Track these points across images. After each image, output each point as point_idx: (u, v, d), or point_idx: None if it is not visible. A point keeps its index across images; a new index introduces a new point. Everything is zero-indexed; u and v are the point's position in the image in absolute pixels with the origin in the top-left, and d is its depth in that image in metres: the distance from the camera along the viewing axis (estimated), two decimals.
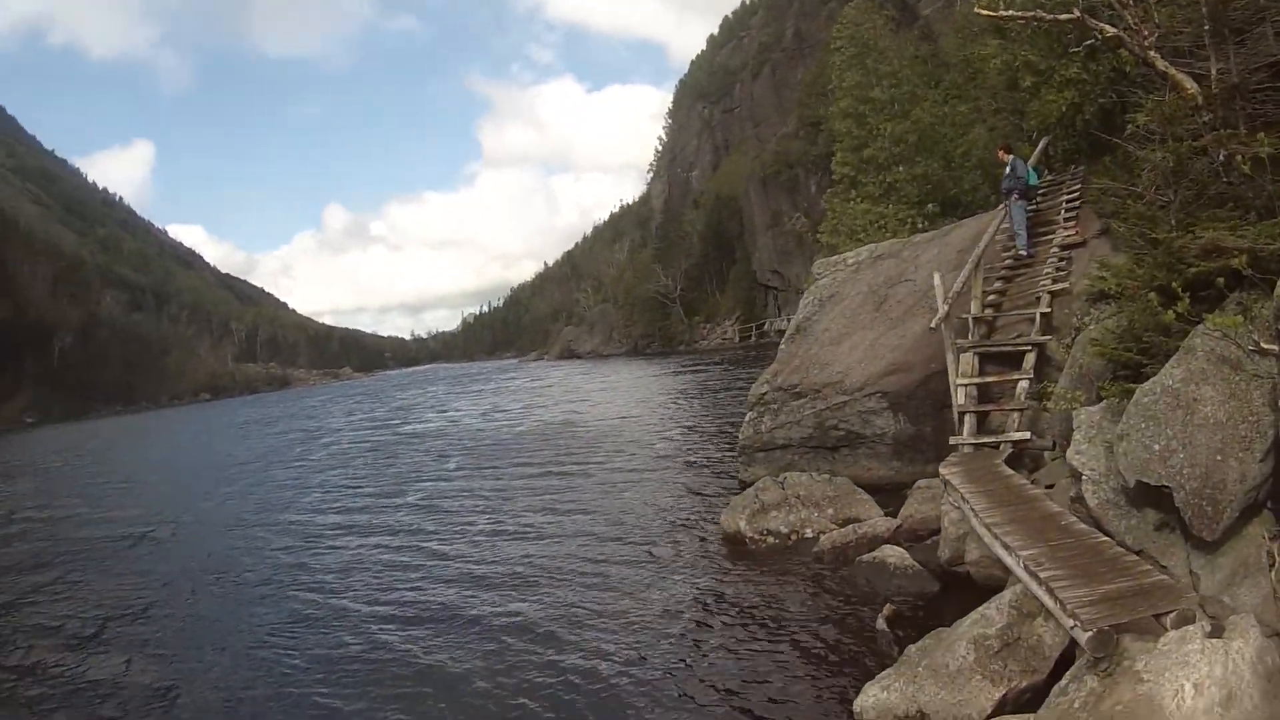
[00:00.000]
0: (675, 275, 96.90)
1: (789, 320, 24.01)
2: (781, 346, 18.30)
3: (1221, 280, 8.46)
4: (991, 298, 15.19)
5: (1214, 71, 11.30)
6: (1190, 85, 11.59)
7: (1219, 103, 11.01)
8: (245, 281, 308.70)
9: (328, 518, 19.84)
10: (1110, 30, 13.16)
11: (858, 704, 7.02)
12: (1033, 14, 15.17)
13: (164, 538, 19.46)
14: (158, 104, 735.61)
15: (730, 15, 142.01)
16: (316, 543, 17.25)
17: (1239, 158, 10.05)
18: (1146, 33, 12.24)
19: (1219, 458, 6.96)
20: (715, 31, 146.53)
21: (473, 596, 12.25)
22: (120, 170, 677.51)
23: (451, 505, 19.35)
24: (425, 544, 15.95)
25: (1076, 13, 13.64)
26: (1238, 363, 7.43)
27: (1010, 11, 15.83)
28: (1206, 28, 11.38)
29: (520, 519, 16.90)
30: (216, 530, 19.77)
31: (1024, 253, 16.25)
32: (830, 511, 12.91)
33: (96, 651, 11.87)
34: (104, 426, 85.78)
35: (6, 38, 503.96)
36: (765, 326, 75.32)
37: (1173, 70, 11.83)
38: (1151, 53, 12.13)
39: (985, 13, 16.38)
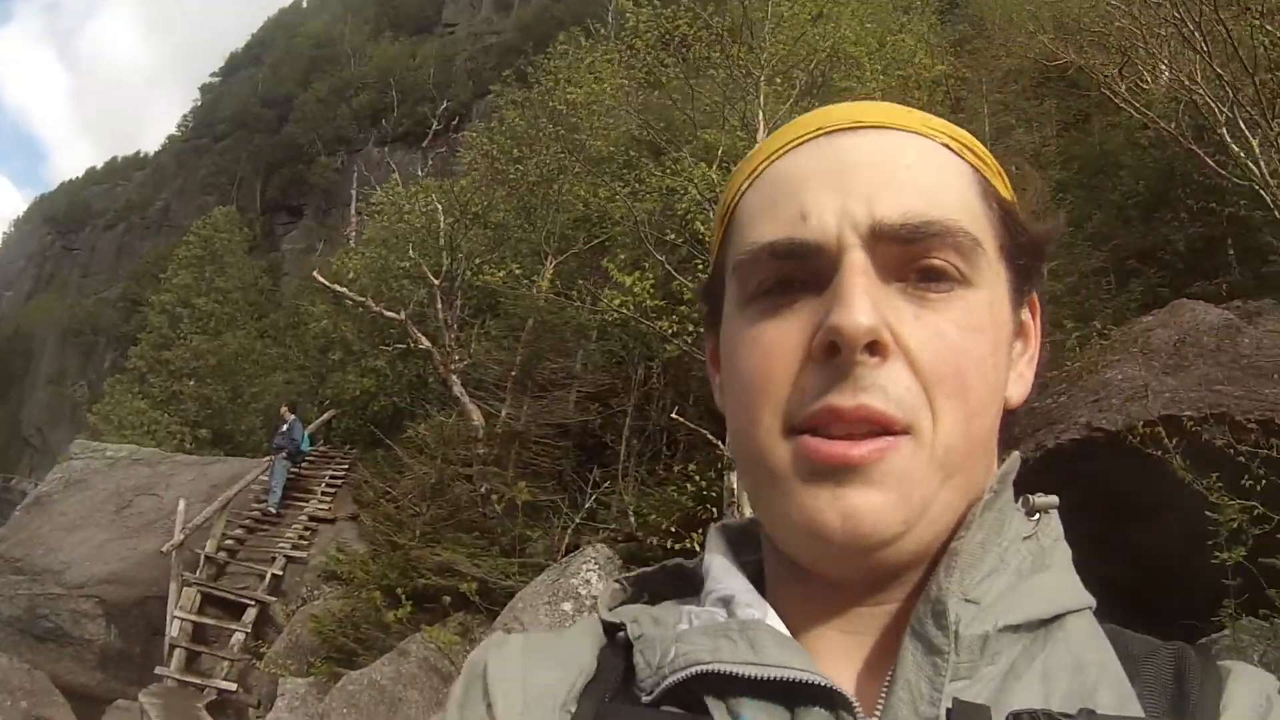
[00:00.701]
0: None
1: (37, 485, 22.86)
2: (17, 514, 17.64)
3: (449, 599, 9.09)
4: (230, 542, 15.26)
5: (504, 413, 12.60)
6: (478, 417, 12.90)
7: (498, 442, 12.26)
8: None
9: None
10: (425, 343, 14.47)
11: None
12: (364, 300, 16.17)
13: None
14: None
15: (119, 158, 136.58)
16: None
17: (496, 495, 11.10)
18: (457, 358, 13.57)
19: None
20: (98, 165, 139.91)
21: None
22: None
23: None
24: None
25: (403, 315, 14.80)
26: (449, 676, 7.82)
27: (343, 289, 16.80)
28: (513, 373, 12.77)
29: None
30: None
31: (273, 510, 16.44)
32: (24, 705, 12.11)
33: None
34: None
35: None
36: (13, 483, 69.26)
37: (466, 398, 13.13)
38: (453, 377, 13.38)
39: (323, 282, 17.18)
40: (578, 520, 9.92)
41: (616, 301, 9.74)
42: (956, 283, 0.63)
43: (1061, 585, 0.65)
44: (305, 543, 14.86)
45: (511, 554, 9.89)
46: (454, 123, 50.41)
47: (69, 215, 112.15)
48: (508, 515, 10.76)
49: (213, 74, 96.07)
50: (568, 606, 6.67)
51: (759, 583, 0.71)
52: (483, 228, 15.72)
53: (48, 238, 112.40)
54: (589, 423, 11.85)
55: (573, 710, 0.66)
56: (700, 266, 9.61)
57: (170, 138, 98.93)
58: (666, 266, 9.71)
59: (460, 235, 15.06)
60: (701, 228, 9.67)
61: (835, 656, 0.64)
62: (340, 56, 69.72)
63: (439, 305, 14.32)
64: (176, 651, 12.58)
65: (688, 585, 0.76)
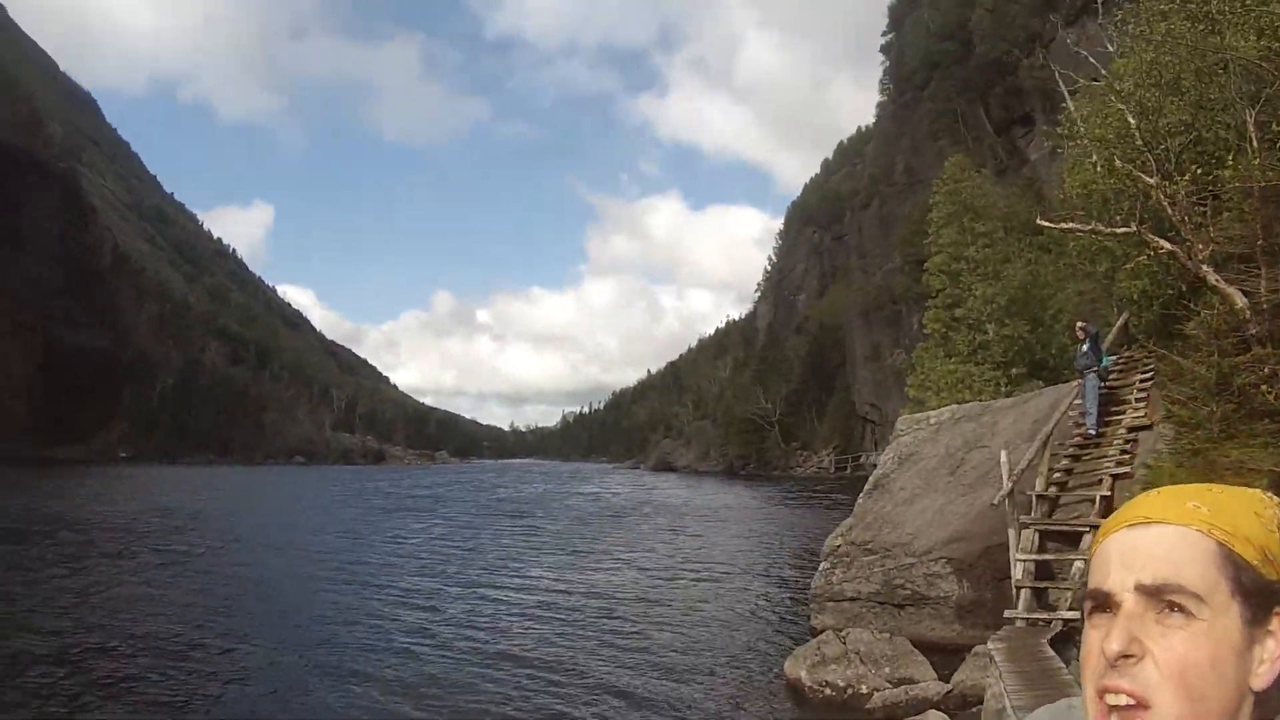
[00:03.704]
0: (775, 399, 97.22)
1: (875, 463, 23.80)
2: (859, 501, 18.58)
3: None
4: (1058, 475, 15.49)
5: (1263, 286, 11.89)
6: (1240, 300, 12.00)
7: (1266, 317, 11.54)
8: (349, 350, 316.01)
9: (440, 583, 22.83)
10: (1166, 246, 13.61)
11: None
12: (1091, 228, 15.72)
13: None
14: (278, 170, 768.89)
15: (845, 141, 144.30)
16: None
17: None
18: (1200, 246, 12.84)
19: None
20: (830, 156, 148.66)
21: (542, 702, 13.31)
22: (237, 227, 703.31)
23: (537, 599, 21.35)
24: (504, 631, 17.92)
25: (1134, 227, 14.25)
26: None
27: (1070, 225, 16.45)
28: (1260, 243, 11.99)
29: (604, 621, 18.58)
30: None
31: (1093, 432, 16.44)
32: (887, 670, 13.22)
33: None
34: (223, 474, 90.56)
35: (141, 86, 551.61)
36: (861, 459, 74.20)
37: (1222, 285, 12.22)
38: (1205, 267, 12.61)
39: (1046, 224, 16.98)
40: None
41: None
42: (1186, 616, 1.02)
43: None
44: (1128, 455, 14.63)
45: None
46: None
47: (823, 209, 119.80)
48: None
49: (883, 33, 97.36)
50: None
51: None
52: (1177, 96, 14.83)
53: (815, 236, 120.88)
54: None
55: None
56: None
57: (879, 104, 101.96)
58: None
59: (1157, 120, 14.30)
60: None
61: None
62: None
63: (1164, 201, 13.61)
64: (1022, 592, 13.11)
65: None
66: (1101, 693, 1.04)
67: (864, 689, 12.91)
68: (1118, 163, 15.03)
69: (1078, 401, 17.12)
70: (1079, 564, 13.09)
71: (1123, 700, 1.03)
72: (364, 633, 17.31)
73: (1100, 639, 1.06)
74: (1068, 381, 19.61)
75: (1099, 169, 16.10)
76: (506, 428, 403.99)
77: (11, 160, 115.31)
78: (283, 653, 15.65)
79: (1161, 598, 1.04)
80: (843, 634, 14.24)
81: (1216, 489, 1.12)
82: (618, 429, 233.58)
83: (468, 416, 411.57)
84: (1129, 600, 1.06)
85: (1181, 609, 1.03)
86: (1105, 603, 1.08)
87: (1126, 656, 1.03)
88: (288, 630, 17.43)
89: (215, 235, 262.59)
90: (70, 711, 12.22)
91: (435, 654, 15.85)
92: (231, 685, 13.65)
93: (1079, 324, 18.25)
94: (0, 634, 16.23)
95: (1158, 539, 1.08)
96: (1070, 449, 16.45)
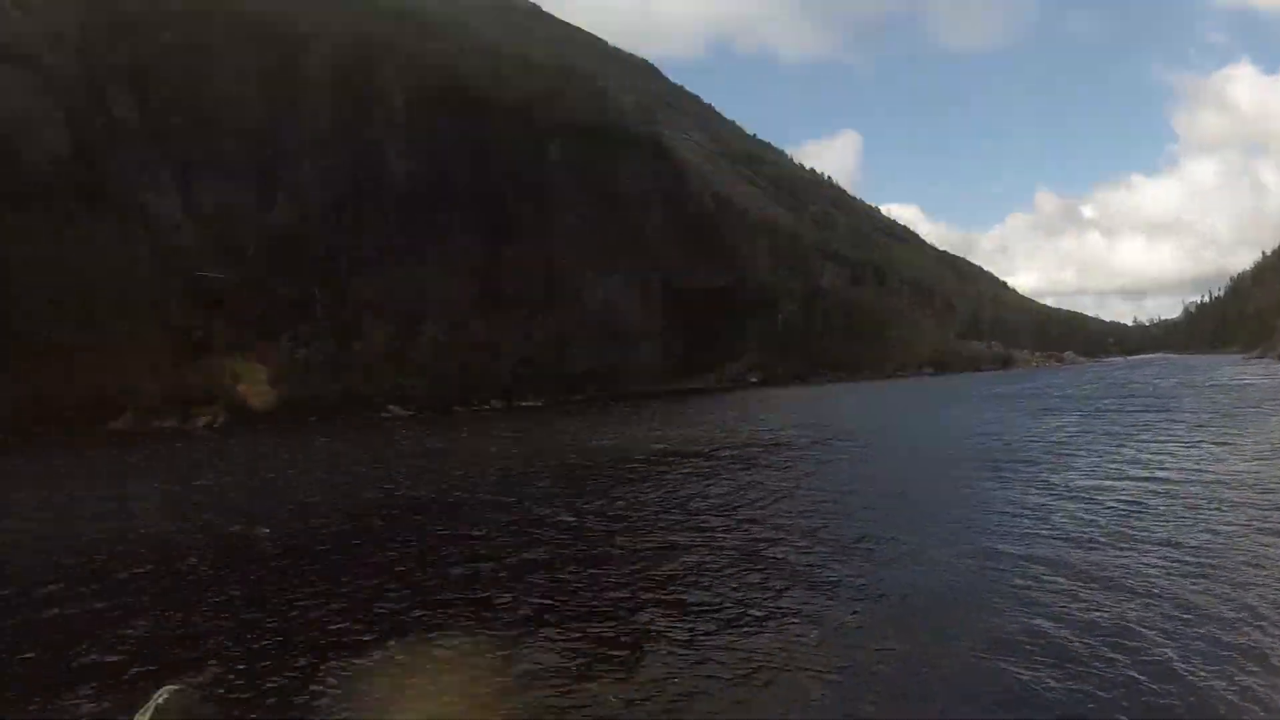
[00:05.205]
0: None
1: None
2: None
3: None
4: None
5: None
6: None
7: None
8: (963, 260, 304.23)
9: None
10: None
11: None
12: None
13: None
14: (855, 100, 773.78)
15: None
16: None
17: None
18: None
19: None
20: None
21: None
22: (827, 158, 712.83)
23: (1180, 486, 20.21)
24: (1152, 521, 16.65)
25: None
26: None
27: None
28: None
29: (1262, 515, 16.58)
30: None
31: None
32: None
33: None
34: (856, 389, 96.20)
35: (699, 46, 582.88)
36: None
37: None
38: None
39: None
40: None
41: None
42: None
43: None
44: None
45: None
46: None
47: None
48: None
49: None
50: None
51: None
52: None
53: None
54: None
55: None
56: None
57: None
58: None
59: None
60: None
61: None
62: None
63: None
64: None
65: None
66: None
67: None
68: None
69: None
70: None
71: None
72: (1019, 521, 17.11)
73: None
74: None
75: None
76: (1130, 323, 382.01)
77: (595, 133, 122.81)
78: (958, 543, 15.56)
79: None
80: None
81: None
82: (1241, 317, 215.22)
83: (1090, 314, 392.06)
84: None
85: None
86: None
87: None
88: (951, 522, 17.64)
89: (808, 167, 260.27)
90: (745, 594, 12.90)
91: (1086, 539, 15.34)
92: (902, 571, 13.96)
93: None
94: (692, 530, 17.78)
95: None
96: None
